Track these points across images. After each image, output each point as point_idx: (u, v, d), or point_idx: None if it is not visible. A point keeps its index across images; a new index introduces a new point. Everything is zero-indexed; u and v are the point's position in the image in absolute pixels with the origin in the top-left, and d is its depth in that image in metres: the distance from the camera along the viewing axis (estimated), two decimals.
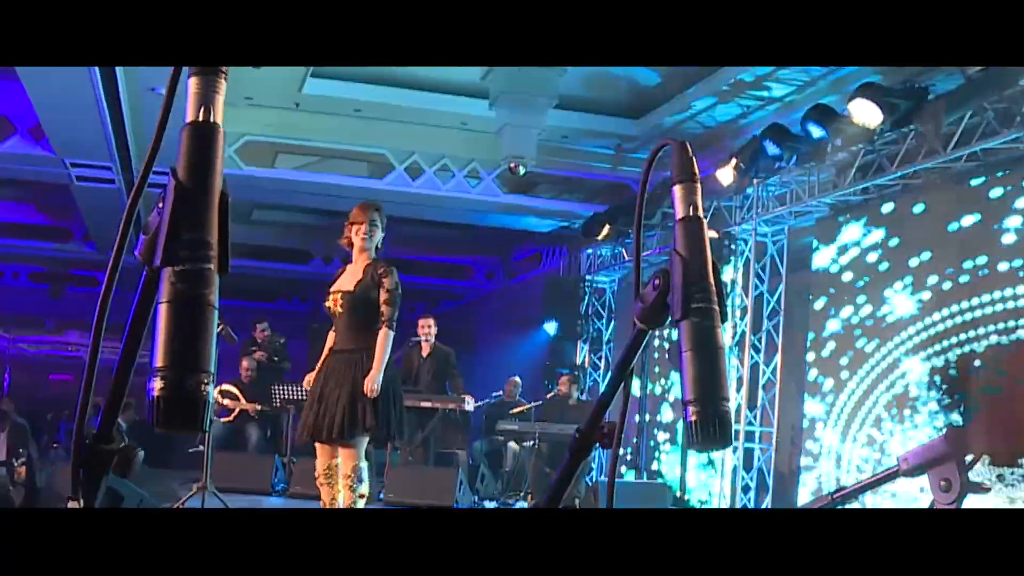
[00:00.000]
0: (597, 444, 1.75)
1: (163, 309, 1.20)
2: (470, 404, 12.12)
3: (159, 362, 1.18)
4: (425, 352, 12.15)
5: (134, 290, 1.30)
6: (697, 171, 1.62)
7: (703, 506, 12.01)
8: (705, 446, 1.52)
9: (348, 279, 6.64)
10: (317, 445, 6.65)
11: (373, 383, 6.42)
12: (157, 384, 1.17)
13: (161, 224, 1.22)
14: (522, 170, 10.84)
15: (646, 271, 1.62)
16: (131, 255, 1.28)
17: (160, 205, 1.23)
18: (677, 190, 1.61)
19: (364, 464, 6.56)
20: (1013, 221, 7.95)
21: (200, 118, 1.27)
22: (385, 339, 6.52)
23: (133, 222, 1.33)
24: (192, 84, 1.30)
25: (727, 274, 11.25)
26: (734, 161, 10.40)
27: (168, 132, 1.31)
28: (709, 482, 12.00)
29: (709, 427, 1.51)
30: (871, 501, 8.35)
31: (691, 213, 1.59)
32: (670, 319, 1.58)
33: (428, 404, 11.72)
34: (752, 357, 11.04)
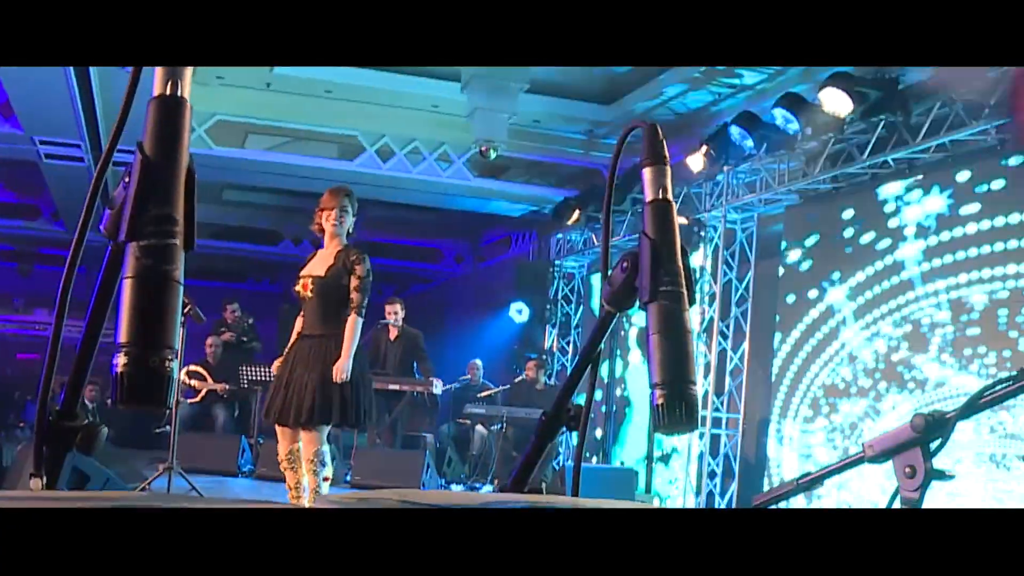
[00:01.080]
0: (564, 427, 1.75)
1: (127, 284, 1.18)
2: (438, 387, 12.14)
3: (123, 338, 1.16)
4: (393, 335, 12.16)
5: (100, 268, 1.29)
6: (667, 154, 1.61)
7: (668, 497, 12.06)
8: (671, 429, 1.51)
9: (319, 264, 6.62)
10: (279, 429, 6.62)
11: (342, 371, 6.42)
12: (120, 360, 1.16)
13: (127, 198, 1.21)
14: (493, 154, 10.83)
15: (615, 256, 1.62)
16: (97, 231, 1.26)
17: (126, 180, 1.22)
18: (647, 172, 1.59)
19: (326, 447, 6.54)
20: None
21: (167, 91, 1.25)
22: (354, 326, 6.51)
23: (99, 198, 1.32)
24: None
25: (696, 260, 11.28)
26: (704, 148, 10.43)
27: (135, 108, 1.30)
28: (672, 474, 12.04)
29: (676, 410, 1.50)
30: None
31: (660, 196, 1.58)
32: (638, 302, 1.58)
33: (396, 387, 11.74)
34: (720, 343, 11.09)
